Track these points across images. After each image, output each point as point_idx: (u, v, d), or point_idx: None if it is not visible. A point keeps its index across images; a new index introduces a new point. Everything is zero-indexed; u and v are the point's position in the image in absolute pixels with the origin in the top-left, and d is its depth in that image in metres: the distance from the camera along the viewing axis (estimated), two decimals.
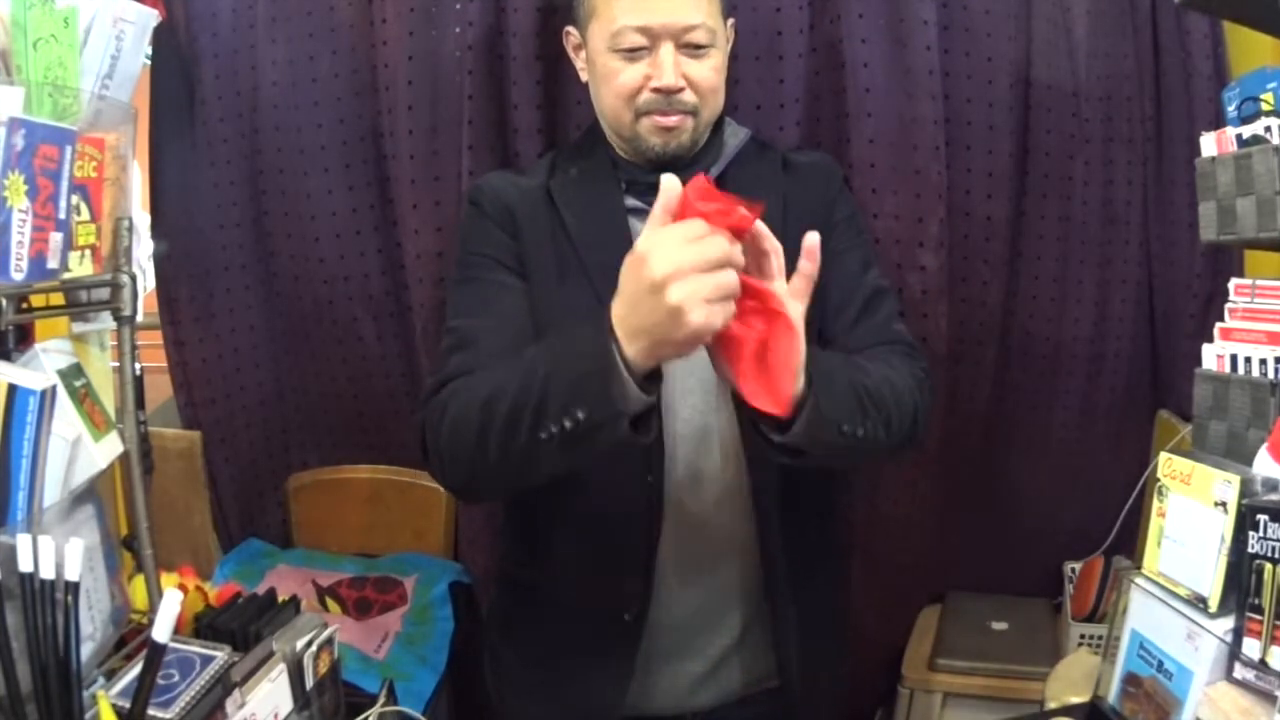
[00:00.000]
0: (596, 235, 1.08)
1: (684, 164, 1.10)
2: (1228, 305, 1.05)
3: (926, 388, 1.06)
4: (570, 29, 1.13)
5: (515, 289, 1.07)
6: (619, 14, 1.03)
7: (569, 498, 1.05)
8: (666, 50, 1.02)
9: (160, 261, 1.66)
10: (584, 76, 1.13)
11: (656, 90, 1.04)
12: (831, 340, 1.11)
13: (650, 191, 1.09)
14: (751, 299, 0.81)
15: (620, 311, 0.80)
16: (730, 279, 0.77)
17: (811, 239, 0.84)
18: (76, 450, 0.93)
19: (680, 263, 0.75)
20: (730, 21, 1.12)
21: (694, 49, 1.04)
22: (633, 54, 1.04)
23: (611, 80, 1.06)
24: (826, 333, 1.11)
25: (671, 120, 1.05)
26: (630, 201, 1.10)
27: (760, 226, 0.81)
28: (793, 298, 0.82)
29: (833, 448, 0.89)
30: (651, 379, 0.83)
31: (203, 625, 1.02)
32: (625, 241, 1.08)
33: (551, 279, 1.07)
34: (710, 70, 1.05)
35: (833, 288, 1.11)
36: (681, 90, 1.04)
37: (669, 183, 0.79)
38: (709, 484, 1.06)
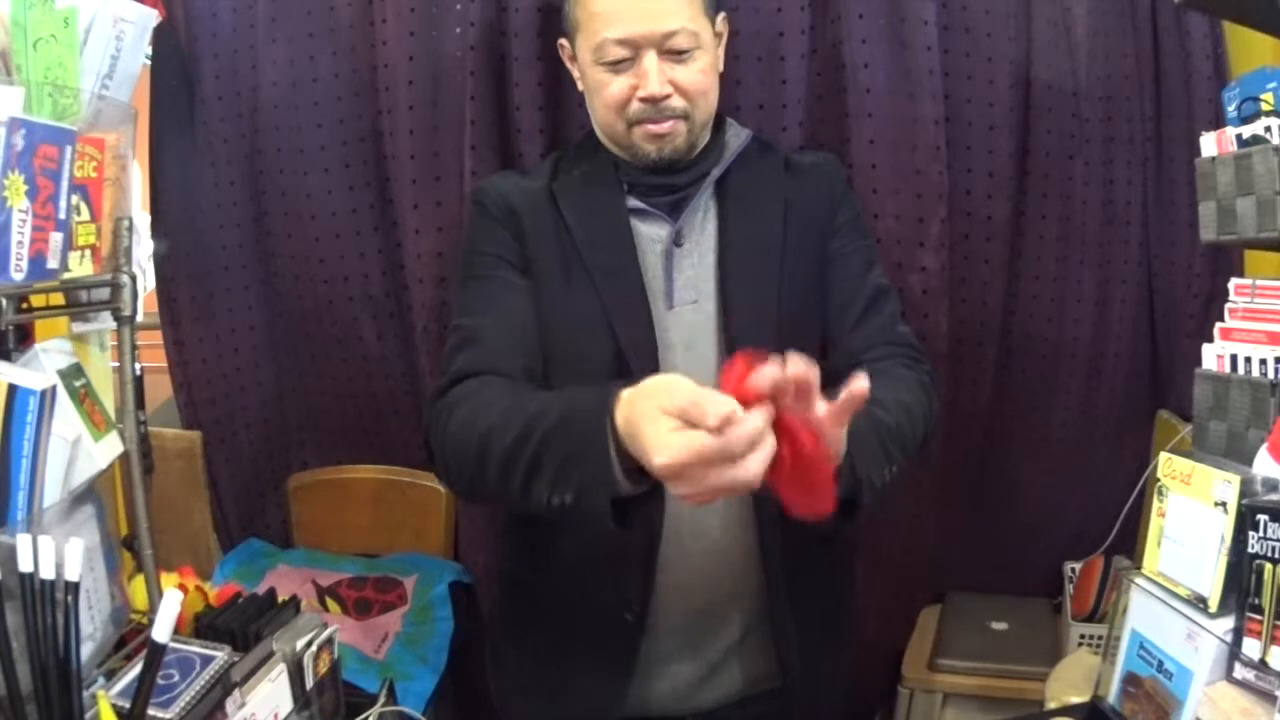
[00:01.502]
0: (599, 236, 1.08)
1: (685, 166, 1.10)
2: (1228, 305, 1.05)
3: (933, 394, 1.06)
4: (563, 41, 1.14)
5: (520, 287, 1.08)
6: (600, 27, 1.03)
7: None
8: (650, 59, 1.03)
9: (160, 261, 1.66)
10: (580, 86, 1.14)
11: (644, 100, 1.04)
12: (835, 340, 1.11)
13: (652, 193, 1.10)
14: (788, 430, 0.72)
15: (633, 416, 0.74)
16: (744, 488, 0.70)
17: (861, 385, 0.72)
18: (76, 450, 0.93)
19: (693, 483, 0.70)
20: (721, 16, 1.12)
21: (678, 54, 1.04)
22: (617, 65, 1.04)
23: (601, 92, 1.07)
24: (830, 333, 1.11)
25: (664, 127, 1.06)
26: (633, 202, 1.10)
27: (806, 376, 0.71)
28: (832, 425, 0.74)
29: (868, 504, 0.89)
30: (645, 471, 0.77)
31: (203, 625, 1.02)
32: (627, 242, 1.09)
33: (555, 279, 1.07)
34: (697, 73, 1.05)
35: (836, 288, 1.12)
36: (669, 97, 1.05)
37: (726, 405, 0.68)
38: None
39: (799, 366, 0.69)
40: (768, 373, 0.68)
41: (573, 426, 0.81)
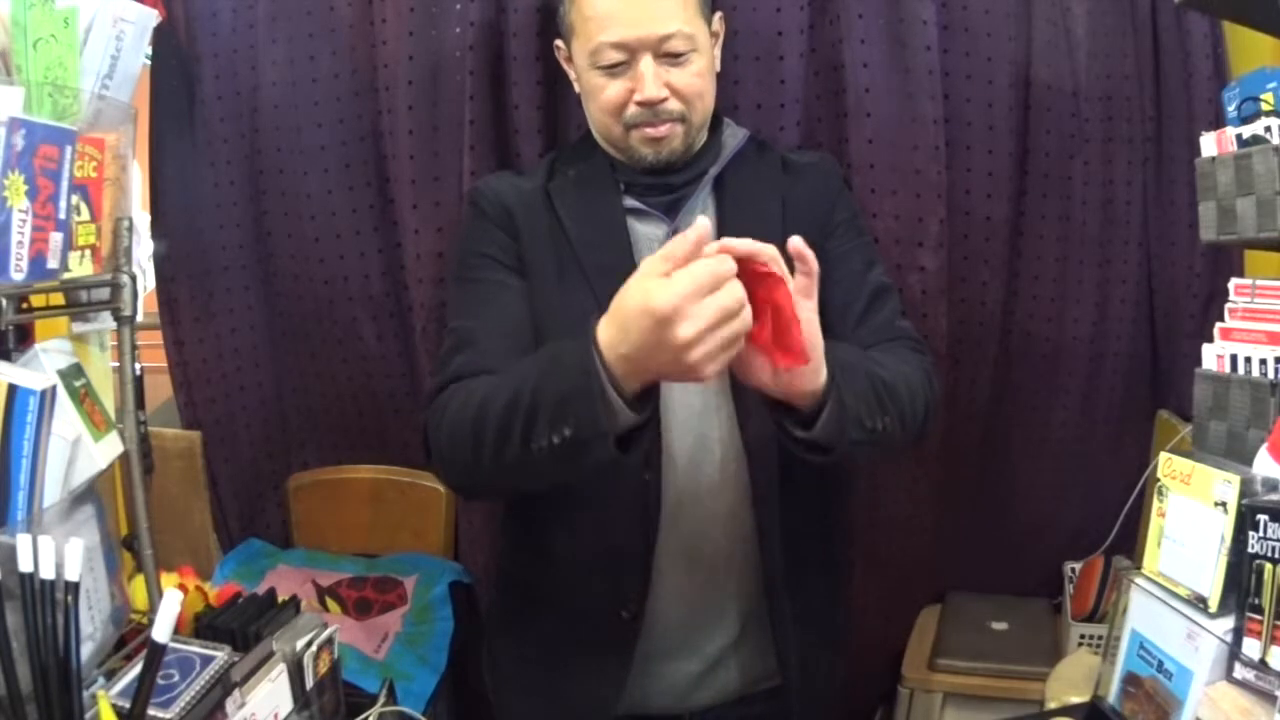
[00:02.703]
0: (595, 236, 1.08)
1: (682, 165, 1.10)
2: (1228, 305, 1.05)
3: (934, 382, 1.06)
4: (559, 43, 1.14)
5: (515, 289, 1.08)
6: (595, 32, 1.03)
7: (568, 496, 1.05)
8: (646, 63, 1.03)
9: (160, 261, 1.66)
10: (577, 88, 1.14)
11: (640, 104, 1.04)
12: (837, 339, 1.11)
13: (648, 193, 1.10)
14: (760, 287, 0.81)
15: (617, 338, 0.79)
16: (740, 328, 0.77)
17: (795, 242, 0.82)
18: (76, 450, 0.93)
19: (696, 319, 0.74)
20: (718, 16, 1.12)
21: (674, 57, 1.04)
22: (613, 69, 1.04)
23: (597, 96, 1.07)
24: (832, 332, 1.11)
25: (660, 130, 1.06)
26: (629, 202, 1.10)
27: (756, 246, 0.80)
28: (801, 298, 0.82)
29: (855, 443, 0.89)
30: (644, 397, 0.82)
31: (203, 625, 1.02)
32: (624, 242, 1.09)
33: (551, 280, 1.08)
34: (693, 75, 1.05)
35: (836, 287, 1.11)
36: (665, 100, 1.04)
37: (697, 230, 0.77)
38: (708, 481, 1.06)
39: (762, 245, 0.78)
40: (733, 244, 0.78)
41: (560, 363, 0.84)
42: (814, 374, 0.85)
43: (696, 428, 1.06)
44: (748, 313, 0.77)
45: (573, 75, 1.14)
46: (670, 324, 0.74)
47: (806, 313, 0.82)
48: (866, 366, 0.93)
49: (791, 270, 0.83)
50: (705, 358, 0.76)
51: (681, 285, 0.74)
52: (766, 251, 0.79)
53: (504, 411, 0.86)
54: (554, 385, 0.83)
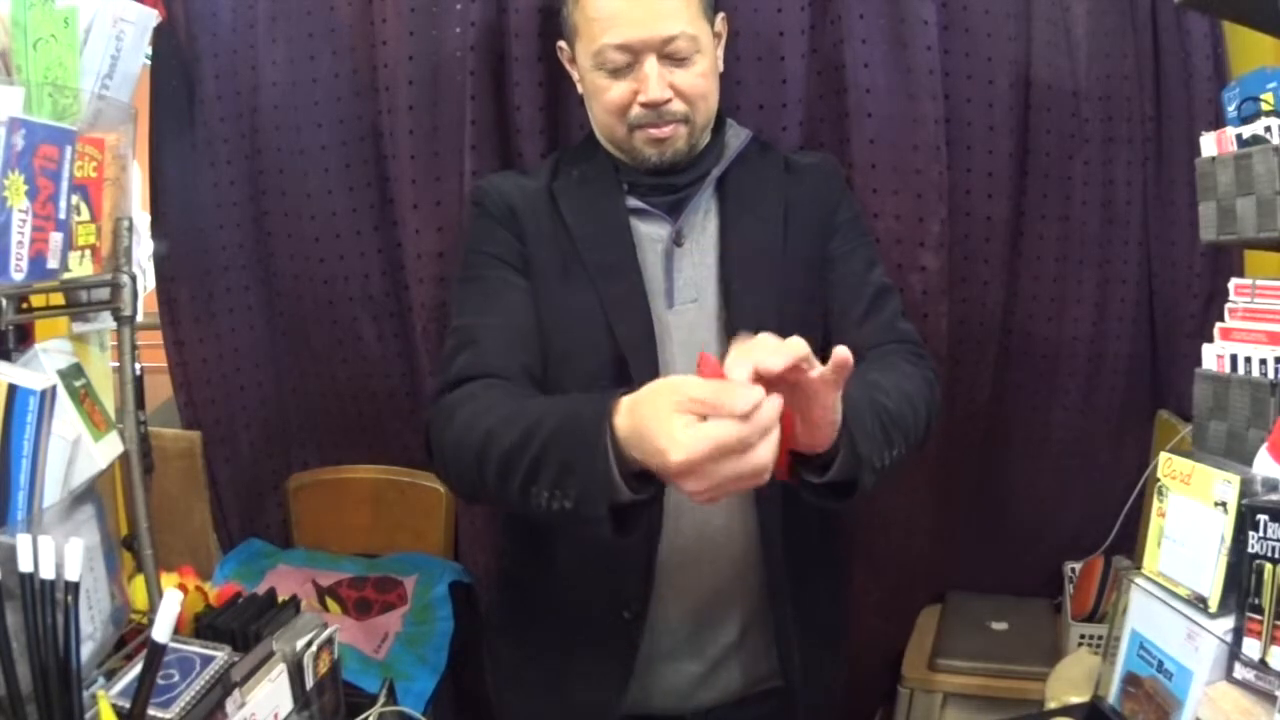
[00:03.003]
0: (599, 237, 1.08)
1: (685, 166, 1.10)
2: (1228, 305, 1.05)
3: (936, 389, 1.06)
4: (562, 43, 1.14)
5: (519, 288, 1.08)
6: (599, 33, 1.03)
7: None
8: (650, 64, 1.03)
9: (160, 261, 1.66)
10: (580, 89, 1.13)
11: (644, 105, 1.04)
12: (838, 340, 1.10)
13: (651, 193, 1.10)
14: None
15: (631, 440, 0.76)
16: (752, 483, 0.73)
17: (842, 353, 0.76)
18: (76, 450, 0.93)
19: (707, 480, 0.72)
20: (720, 17, 1.12)
21: (678, 58, 1.04)
22: (617, 71, 1.04)
23: (601, 97, 1.07)
24: (832, 333, 1.11)
25: (664, 131, 1.06)
26: (632, 202, 1.10)
27: (801, 351, 0.75)
28: (826, 389, 0.78)
29: (868, 484, 0.88)
30: (645, 477, 0.79)
31: (203, 625, 1.02)
32: (627, 242, 1.09)
33: (554, 280, 1.08)
34: (697, 77, 1.05)
35: (838, 288, 1.12)
36: (669, 101, 1.04)
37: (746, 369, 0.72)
38: None
39: (798, 346, 0.73)
40: (784, 351, 0.72)
41: (572, 433, 0.81)
42: (827, 440, 0.83)
43: None
44: (769, 468, 0.72)
45: (576, 76, 1.14)
46: (680, 477, 0.72)
47: (829, 397, 0.79)
48: (872, 401, 0.91)
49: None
50: (708, 499, 0.74)
51: (702, 449, 0.70)
52: (799, 355, 0.74)
53: (509, 454, 0.85)
54: (563, 451, 0.81)
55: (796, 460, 0.87)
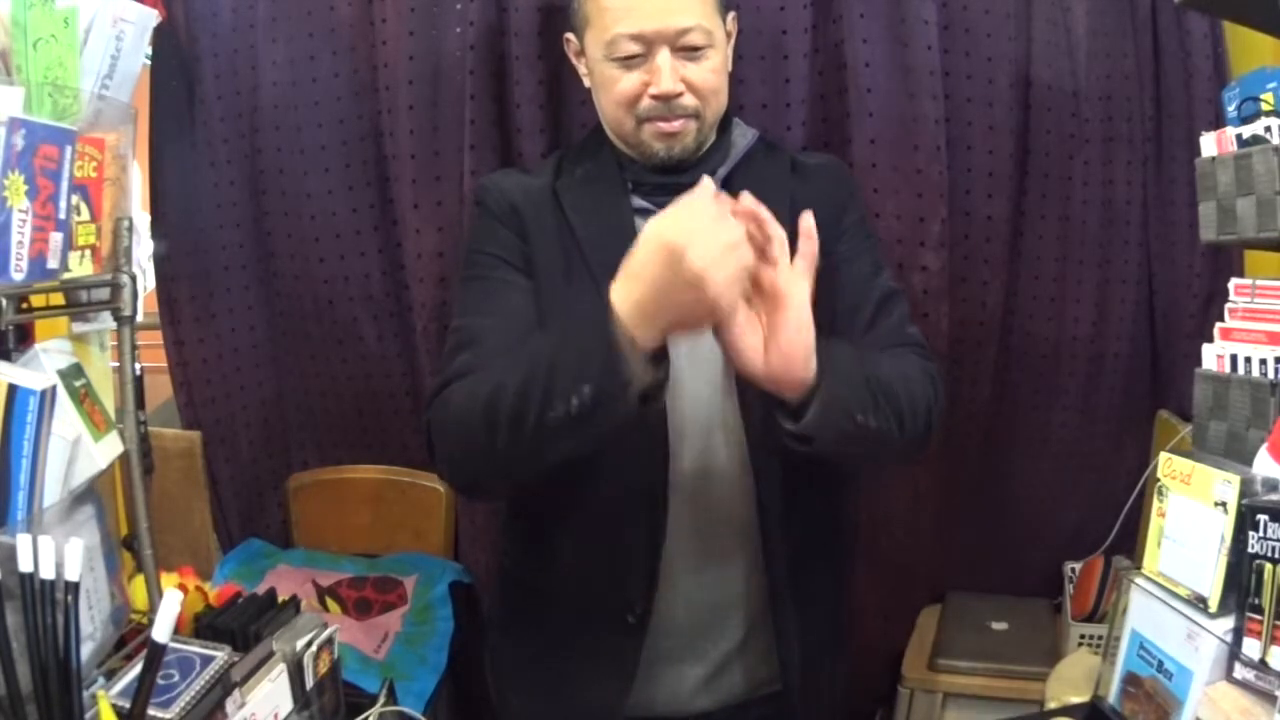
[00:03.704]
0: (602, 236, 1.08)
1: (691, 165, 1.10)
2: (1228, 305, 1.05)
3: (939, 388, 1.06)
4: (569, 35, 1.13)
5: (521, 287, 1.07)
6: (612, 23, 1.02)
7: (573, 496, 1.05)
8: (663, 56, 1.02)
9: (160, 261, 1.66)
10: (586, 83, 1.13)
11: (655, 97, 1.03)
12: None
13: (656, 192, 1.10)
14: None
15: (630, 287, 0.82)
16: (747, 257, 0.81)
17: (807, 220, 0.86)
18: (76, 450, 0.93)
19: (707, 245, 0.78)
20: (731, 16, 1.11)
21: (691, 51, 1.03)
22: (629, 61, 1.03)
23: (611, 88, 1.06)
24: (839, 335, 1.11)
25: (674, 125, 1.05)
26: (637, 202, 1.10)
27: (764, 212, 0.84)
28: (797, 277, 0.85)
29: (846, 437, 0.89)
30: (657, 358, 0.84)
31: (203, 625, 1.02)
32: (631, 241, 1.08)
33: (557, 279, 1.07)
34: (709, 71, 1.05)
35: (845, 291, 1.11)
36: (680, 95, 1.04)
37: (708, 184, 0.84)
38: (714, 486, 1.06)
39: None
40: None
41: (574, 327, 0.86)
42: (804, 362, 0.85)
43: (703, 432, 1.05)
44: (748, 249, 0.81)
45: (582, 69, 1.13)
46: (683, 254, 0.77)
47: (800, 293, 0.84)
48: (860, 363, 0.93)
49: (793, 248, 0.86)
50: (722, 284, 0.78)
51: (689, 216, 0.79)
52: (770, 223, 0.84)
53: (520, 386, 0.86)
54: (571, 346, 0.85)
55: (776, 406, 0.88)
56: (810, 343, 0.85)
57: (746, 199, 0.86)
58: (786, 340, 0.84)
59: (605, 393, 0.82)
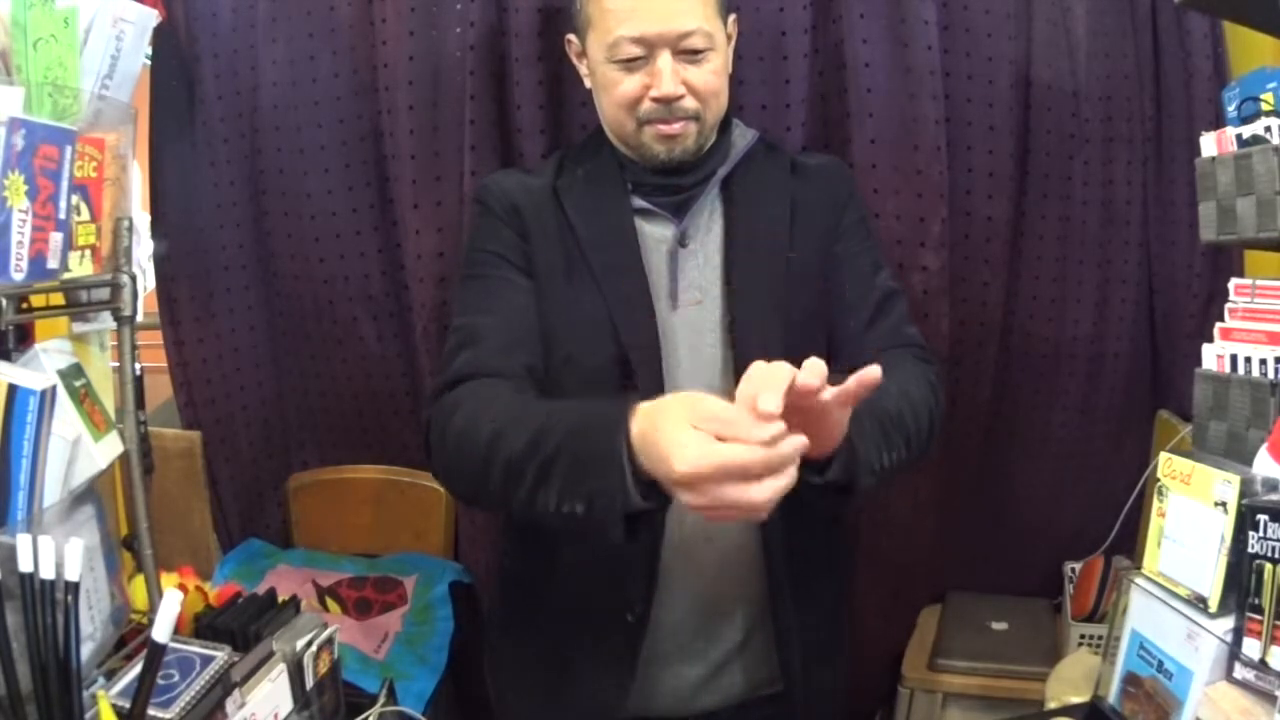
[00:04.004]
0: (603, 236, 1.08)
1: (691, 166, 1.10)
2: (1228, 305, 1.05)
3: (939, 393, 1.06)
4: (571, 36, 1.13)
5: (522, 287, 1.07)
6: (614, 25, 1.02)
7: None
8: (664, 59, 1.02)
9: (160, 261, 1.66)
10: (588, 84, 1.13)
11: (656, 99, 1.03)
12: (843, 343, 1.10)
13: (657, 193, 1.10)
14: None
15: (644, 438, 0.76)
16: (750, 502, 0.71)
17: (873, 373, 0.75)
18: (76, 450, 0.93)
19: (706, 498, 0.71)
20: (732, 18, 1.11)
21: (692, 54, 1.03)
22: (631, 64, 1.03)
23: (612, 90, 1.06)
24: (838, 335, 1.11)
25: (674, 128, 1.05)
26: (637, 202, 1.10)
27: (801, 377, 0.73)
28: (838, 408, 0.78)
29: (867, 486, 0.88)
30: (654, 486, 0.79)
31: (203, 625, 1.02)
32: (632, 242, 1.09)
33: (558, 279, 1.07)
34: (710, 74, 1.05)
35: (844, 291, 1.11)
36: (681, 98, 1.04)
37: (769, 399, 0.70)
38: None
39: (813, 376, 0.71)
40: (815, 372, 0.71)
41: (587, 435, 0.81)
42: (830, 447, 0.83)
43: None
44: (774, 500, 0.72)
45: (583, 70, 1.13)
46: (681, 488, 0.72)
47: (842, 419, 0.80)
48: (872, 403, 0.89)
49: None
50: (709, 517, 0.74)
51: (707, 466, 0.70)
52: (813, 382, 0.72)
53: (518, 457, 0.85)
54: (577, 456, 0.81)
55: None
56: (842, 437, 0.82)
57: (783, 383, 0.71)
58: (819, 443, 0.80)
59: (595, 517, 0.80)
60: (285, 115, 1.63)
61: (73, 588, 0.79)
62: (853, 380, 0.74)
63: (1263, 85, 1.04)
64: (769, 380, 0.71)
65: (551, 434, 0.83)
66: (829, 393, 0.74)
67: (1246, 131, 1.02)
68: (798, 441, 0.71)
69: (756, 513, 0.72)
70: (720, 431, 0.70)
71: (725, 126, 1.14)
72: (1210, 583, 0.85)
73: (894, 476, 0.95)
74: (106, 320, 1.03)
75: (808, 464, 0.85)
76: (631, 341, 1.04)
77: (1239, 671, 0.83)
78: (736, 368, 1.05)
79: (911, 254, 1.54)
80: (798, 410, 0.73)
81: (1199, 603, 0.87)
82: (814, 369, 0.72)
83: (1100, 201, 1.67)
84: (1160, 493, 0.93)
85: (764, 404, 0.69)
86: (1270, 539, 0.81)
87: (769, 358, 0.76)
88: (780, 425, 0.70)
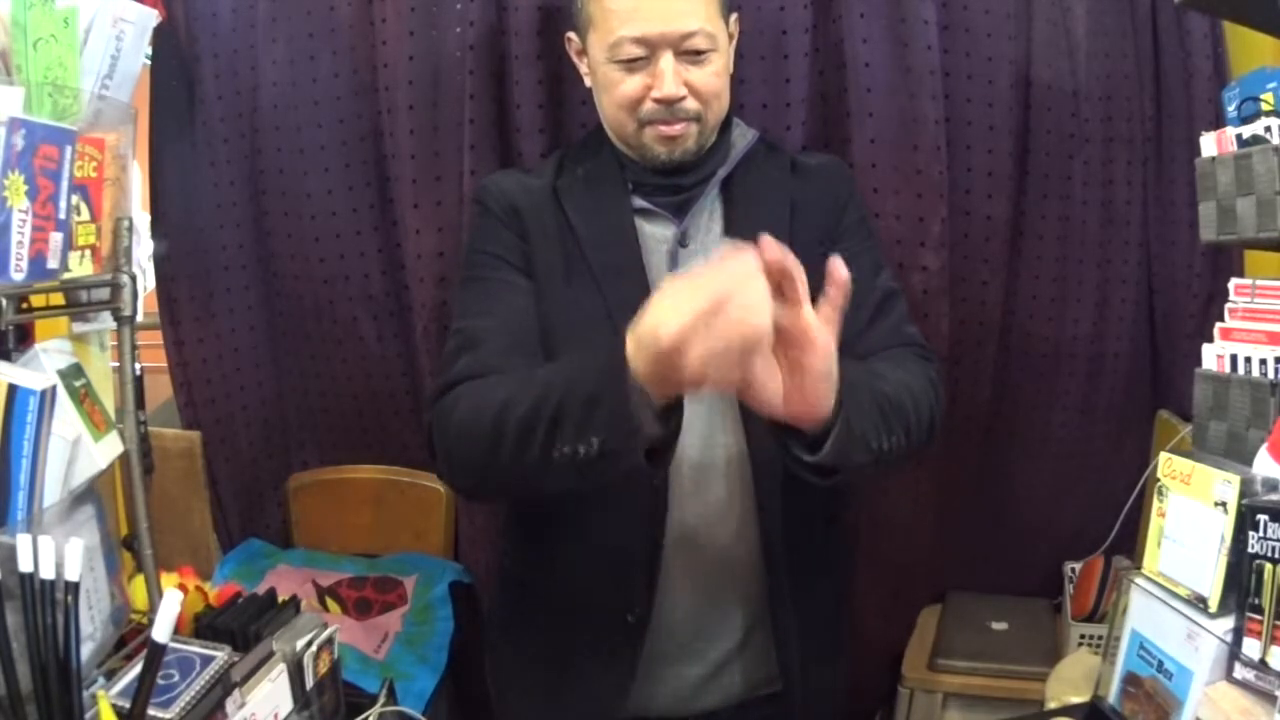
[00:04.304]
0: (603, 236, 1.08)
1: (691, 166, 1.10)
2: (1228, 305, 1.05)
3: (939, 389, 1.06)
4: (571, 34, 1.13)
5: (522, 288, 1.07)
6: (616, 25, 1.02)
7: (575, 499, 1.04)
8: (666, 60, 1.02)
9: (160, 261, 1.66)
10: (588, 82, 1.13)
11: (658, 101, 1.03)
12: (844, 343, 1.10)
13: (657, 192, 1.10)
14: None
15: (636, 346, 0.77)
16: (754, 338, 0.72)
17: (837, 267, 0.77)
18: (76, 450, 0.93)
19: (705, 342, 0.71)
20: (734, 18, 1.11)
21: (694, 55, 1.03)
22: (632, 64, 1.03)
23: (613, 90, 1.05)
24: (838, 335, 1.11)
25: (675, 129, 1.05)
26: (637, 202, 1.10)
27: (781, 250, 0.75)
28: (823, 323, 0.79)
29: (861, 465, 0.88)
30: (669, 410, 0.81)
31: (203, 625, 1.02)
32: (632, 242, 1.09)
33: (558, 279, 1.07)
34: (711, 75, 1.05)
35: None
36: (683, 99, 1.04)
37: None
38: (714, 486, 1.06)
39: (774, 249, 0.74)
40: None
41: (587, 375, 0.82)
42: (826, 404, 0.83)
43: (703, 432, 1.05)
44: (765, 319, 0.72)
45: (584, 69, 1.13)
46: (680, 356, 0.72)
47: (826, 340, 0.79)
48: (871, 384, 0.91)
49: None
50: (719, 378, 0.74)
51: (686, 314, 0.71)
52: (792, 269, 0.75)
53: (528, 415, 0.85)
54: (582, 388, 0.82)
55: (790, 435, 0.87)
56: (834, 387, 0.82)
57: (768, 246, 0.75)
58: (810, 387, 0.80)
59: (613, 446, 0.80)
60: (285, 115, 1.63)
61: (73, 588, 0.79)
62: (830, 287, 0.77)
63: (1263, 85, 1.04)
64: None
65: (554, 385, 0.85)
66: (810, 314, 0.76)
67: (1246, 131, 1.02)
68: (748, 254, 0.73)
69: (758, 330, 0.72)
70: (685, 289, 0.73)
71: (725, 126, 1.14)
72: (1210, 583, 0.85)
73: (891, 465, 0.95)
74: (106, 320, 1.03)
75: (800, 438, 0.86)
76: None
77: (1239, 671, 0.83)
78: None
79: (911, 254, 1.54)
80: (783, 344, 0.77)
81: (1199, 603, 0.87)
82: (772, 245, 0.74)
83: (1100, 201, 1.67)
84: (1160, 493, 0.93)
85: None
86: (1270, 539, 0.81)
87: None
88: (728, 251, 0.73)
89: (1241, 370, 1.02)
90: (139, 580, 1.07)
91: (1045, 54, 1.60)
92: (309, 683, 1.00)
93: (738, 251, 0.74)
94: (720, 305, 0.71)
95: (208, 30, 1.62)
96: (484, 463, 0.92)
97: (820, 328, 0.78)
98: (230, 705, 0.89)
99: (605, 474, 0.84)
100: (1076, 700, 1.09)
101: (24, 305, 0.90)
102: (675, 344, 0.72)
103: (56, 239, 0.86)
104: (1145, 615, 0.93)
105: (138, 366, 1.09)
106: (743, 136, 1.15)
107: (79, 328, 1.02)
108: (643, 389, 0.78)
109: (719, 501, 1.06)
